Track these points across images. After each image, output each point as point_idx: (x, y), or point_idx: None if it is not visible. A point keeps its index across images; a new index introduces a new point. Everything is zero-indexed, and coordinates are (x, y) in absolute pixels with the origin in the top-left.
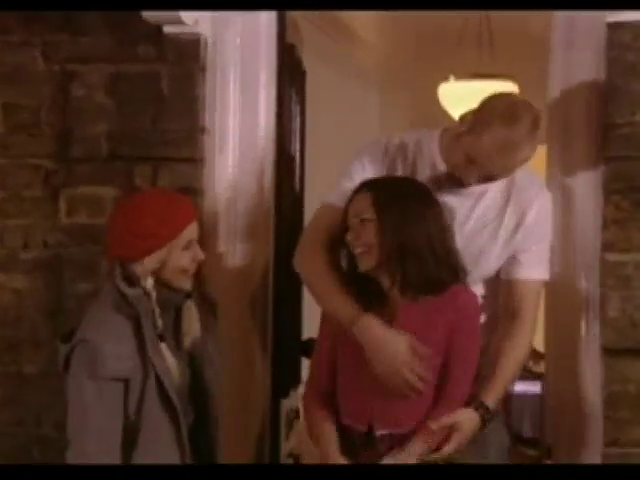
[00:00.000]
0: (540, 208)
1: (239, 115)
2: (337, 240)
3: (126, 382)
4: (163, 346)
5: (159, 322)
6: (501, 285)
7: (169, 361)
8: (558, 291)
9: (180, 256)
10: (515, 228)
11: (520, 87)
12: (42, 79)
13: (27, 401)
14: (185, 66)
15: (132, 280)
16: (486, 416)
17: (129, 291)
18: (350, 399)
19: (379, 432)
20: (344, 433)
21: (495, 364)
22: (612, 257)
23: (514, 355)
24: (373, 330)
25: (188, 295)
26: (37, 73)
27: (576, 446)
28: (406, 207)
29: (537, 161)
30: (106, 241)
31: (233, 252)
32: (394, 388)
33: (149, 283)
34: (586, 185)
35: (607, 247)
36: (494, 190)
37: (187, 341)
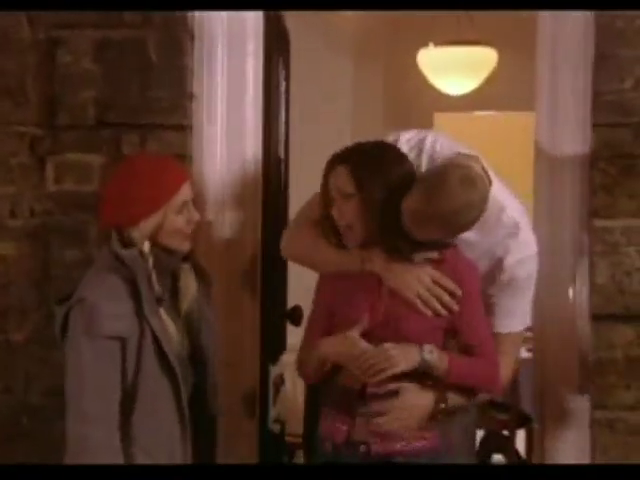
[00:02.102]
0: (526, 269)
1: (227, 83)
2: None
3: (123, 341)
4: (161, 310)
5: (157, 287)
6: None
7: (168, 325)
8: (546, 258)
9: (175, 219)
10: (490, 278)
11: (500, 53)
12: (27, 45)
13: (15, 369)
14: (173, 33)
15: (127, 243)
16: (441, 405)
17: (124, 253)
18: None
19: (370, 390)
20: (340, 392)
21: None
22: (600, 223)
23: None
24: (388, 260)
25: (185, 258)
26: (22, 39)
27: (563, 411)
28: (386, 178)
29: (525, 128)
30: (100, 209)
31: (222, 220)
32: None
33: (146, 247)
34: (574, 152)
35: (595, 213)
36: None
37: (185, 304)
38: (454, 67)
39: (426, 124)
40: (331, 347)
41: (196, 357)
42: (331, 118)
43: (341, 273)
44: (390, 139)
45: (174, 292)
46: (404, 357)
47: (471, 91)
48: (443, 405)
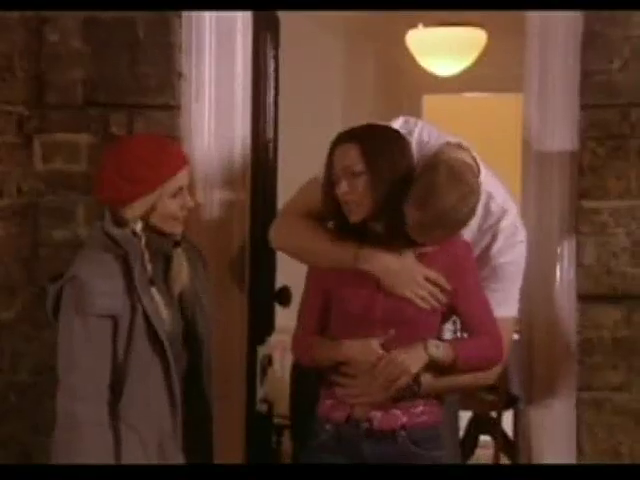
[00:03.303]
0: (514, 255)
1: (215, 62)
2: (319, 210)
3: (114, 319)
4: (153, 290)
5: (148, 266)
6: None
7: (159, 305)
8: (534, 239)
9: (169, 202)
10: (479, 264)
11: (489, 34)
12: (15, 23)
13: (2, 347)
14: (161, 12)
15: (120, 223)
16: (413, 387)
17: (117, 232)
18: None
19: None
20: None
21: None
22: (588, 204)
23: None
24: (382, 259)
25: (177, 243)
26: (10, 17)
27: (550, 391)
28: (394, 156)
29: (514, 110)
30: (96, 184)
31: (210, 201)
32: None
33: (138, 227)
34: (562, 132)
35: (583, 194)
36: None
37: (177, 288)
38: (443, 48)
39: (415, 105)
40: (350, 352)
41: (190, 338)
42: (320, 98)
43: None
44: None
45: (167, 274)
46: (413, 360)
47: (460, 72)
48: (416, 388)
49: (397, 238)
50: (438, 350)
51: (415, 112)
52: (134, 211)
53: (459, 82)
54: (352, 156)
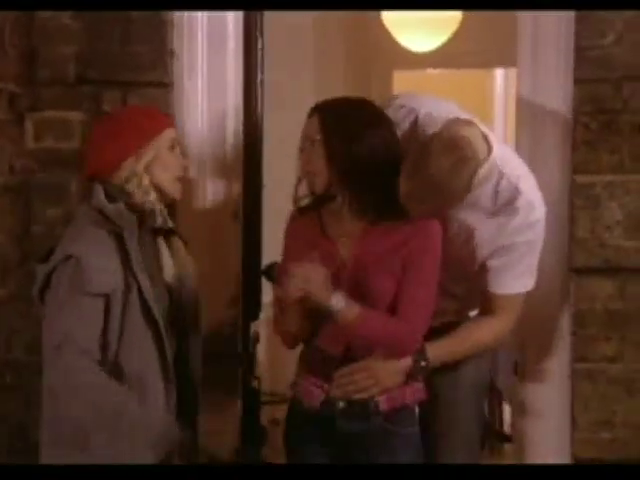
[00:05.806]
0: (530, 234)
1: (207, 40)
2: None
3: (107, 297)
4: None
5: (159, 219)
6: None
7: (152, 281)
8: None
9: (168, 153)
10: (490, 242)
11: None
12: None
13: None
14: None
15: (113, 197)
16: (421, 363)
17: (109, 206)
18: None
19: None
20: (317, 355)
21: (456, 330)
22: (581, 178)
23: (476, 336)
24: None
25: (172, 231)
26: None
27: (543, 364)
28: (352, 127)
29: (483, 85)
30: (86, 158)
31: (203, 178)
32: None
33: (144, 183)
34: (555, 107)
35: (576, 168)
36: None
37: (169, 272)
38: (420, 26)
39: (386, 81)
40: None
41: (179, 321)
42: (293, 72)
43: (306, 238)
44: (387, 101)
45: (157, 255)
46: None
47: (434, 49)
48: (424, 363)
49: (360, 210)
50: (339, 303)
51: (385, 88)
52: (133, 167)
53: (431, 58)
54: (313, 126)
